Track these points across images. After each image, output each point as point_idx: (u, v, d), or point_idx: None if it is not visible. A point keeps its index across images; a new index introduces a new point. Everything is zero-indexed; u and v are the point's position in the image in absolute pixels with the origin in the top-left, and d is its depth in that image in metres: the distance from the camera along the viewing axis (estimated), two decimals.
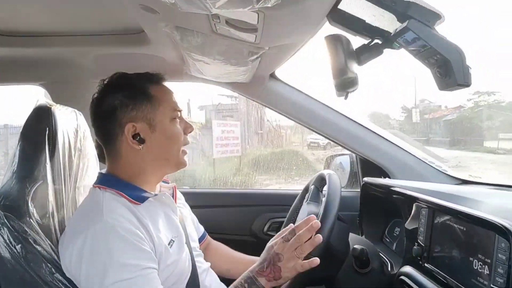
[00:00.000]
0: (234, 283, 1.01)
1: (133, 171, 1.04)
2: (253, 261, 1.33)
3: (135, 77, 1.06)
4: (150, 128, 1.02)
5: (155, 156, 1.04)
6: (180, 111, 1.09)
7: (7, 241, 0.94)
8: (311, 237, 1.02)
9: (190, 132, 1.11)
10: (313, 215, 1.06)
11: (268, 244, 1.08)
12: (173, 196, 1.15)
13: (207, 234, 1.40)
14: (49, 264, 0.95)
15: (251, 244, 1.80)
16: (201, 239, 1.34)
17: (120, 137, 1.02)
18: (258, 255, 1.34)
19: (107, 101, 1.03)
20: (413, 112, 11.70)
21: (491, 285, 0.79)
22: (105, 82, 1.06)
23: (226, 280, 1.29)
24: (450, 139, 10.51)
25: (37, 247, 0.95)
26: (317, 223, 1.03)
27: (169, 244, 1.00)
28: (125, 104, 1.01)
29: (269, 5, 0.69)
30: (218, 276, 1.26)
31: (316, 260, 1.00)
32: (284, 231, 1.08)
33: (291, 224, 1.07)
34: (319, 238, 1.01)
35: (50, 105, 1.07)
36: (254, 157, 8.07)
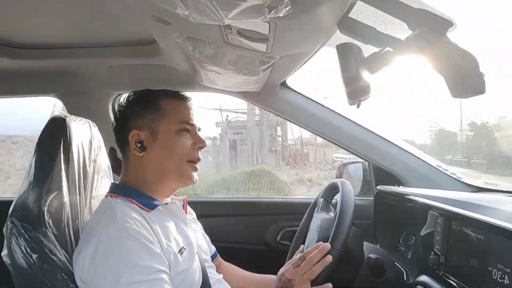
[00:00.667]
0: None
1: (140, 179, 1.06)
2: (265, 279, 1.35)
3: (152, 91, 1.11)
4: (152, 137, 1.05)
5: (155, 164, 1.06)
6: (191, 124, 1.09)
7: (24, 251, 0.96)
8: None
9: (200, 148, 1.10)
10: (321, 242, 1.07)
11: (280, 272, 1.10)
12: (184, 208, 1.15)
13: (218, 254, 1.39)
14: (64, 275, 0.96)
15: (264, 253, 1.79)
16: (212, 258, 1.34)
17: (128, 144, 1.05)
18: (271, 264, 1.35)
19: (124, 111, 1.09)
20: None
21: None
22: (130, 94, 1.11)
23: None
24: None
25: (53, 257, 0.96)
26: (327, 245, 1.05)
27: (179, 251, 1.01)
28: (135, 112, 1.07)
29: (281, 15, 0.69)
30: None
31: (329, 286, 1.03)
32: (294, 258, 1.10)
33: (301, 247, 1.08)
34: (329, 258, 1.03)
35: (64, 116, 1.09)
36: (223, 176, 7.95)
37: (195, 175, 1.09)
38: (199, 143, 1.10)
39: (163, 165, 1.06)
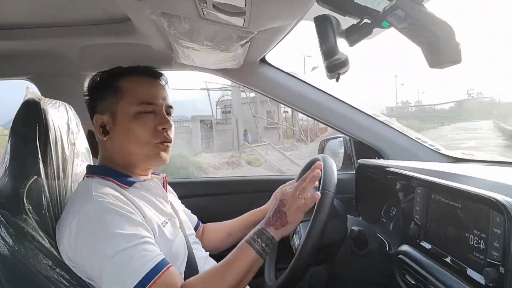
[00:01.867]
0: (246, 238, 1.02)
1: (112, 161, 1.07)
2: (251, 215, 1.39)
3: (115, 69, 1.09)
4: (113, 121, 1.04)
5: (118, 148, 1.05)
6: (153, 104, 1.05)
7: (5, 239, 0.94)
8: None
9: (165, 128, 1.06)
10: (320, 162, 1.12)
11: (274, 194, 1.15)
12: (163, 186, 1.15)
13: (200, 222, 1.41)
14: (49, 259, 0.95)
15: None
16: (196, 228, 1.35)
17: (95, 128, 1.07)
18: None
19: (89, 94, 1.10)
20: None
21: (487, 259, 0.80)
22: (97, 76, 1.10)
23: None
24: None
25: (35, 243, 0.95)
26: (319, 163, 1.11)
27: (162, 224, 1.01)
28: (97, 96, 1.07)
29: None
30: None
31: (318, 195, 1.04)
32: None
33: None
34: (318, 173, 1.07)
35: (39, 99, 1.05)
36: None
37: (164, 155, 1.07)
38: (163, 124, 1.05)
39: (127, 148, 1.05)
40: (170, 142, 1.08)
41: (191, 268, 1.08)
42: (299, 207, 1.02)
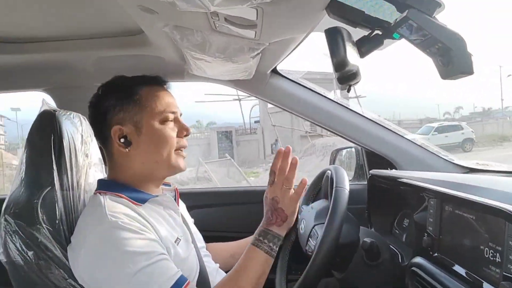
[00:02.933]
0: (251, 242, 1.02)
1: (128, 174, 1.05)
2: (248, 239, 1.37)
3: (128, 79, 1.07)
4: (137, 131, 1.02)
5: (143, 159, 1.04)
6: (173, 113, 1.07)
7: (19, 248, 0.96)
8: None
9: (186, 135, 1.09)
10: (281, 148, 1.11)
11: (264, 198, 1.14)
12: (175, 199, 1.15)
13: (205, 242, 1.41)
14: (61, 270, 0.97)
15: None
16: None
17: (110, 139, 1.03)
18: None
19: (99, 104, 1.05)
20: None
21: (503, 273, 0.78)
22: (102, 85, 1.08)
23: None
24: None
25: (49, 253, 0.96)
26: (288, 147, 1.11)
27: (175, 241, 1.01)
28: (113, 106, 1.03)
29: (268, 0, 0.68)
30: None
31: (305, 179, 1.11)
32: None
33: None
34: (296, 159, 1.08)
35: (54, 110, 1.08)
36: None
37: (183, 162, 1.08)
38: (184, 131, 1.08)
39: (152, 158, 1.04)
40: (185, 148, 1.10)
41: (203, 282, 1.08)
42: (291, 198, 1.06)
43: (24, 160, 1.05)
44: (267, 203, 1.09)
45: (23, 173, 1.04)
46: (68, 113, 1.11)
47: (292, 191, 1.05)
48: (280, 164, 1.08)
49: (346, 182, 1.15)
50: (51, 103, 1.56)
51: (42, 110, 1.09)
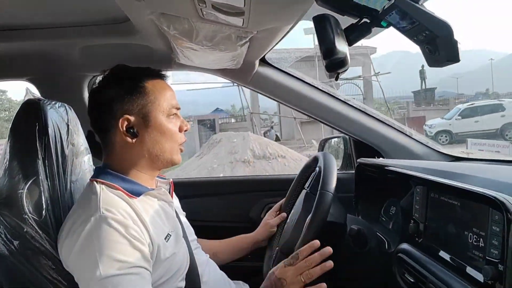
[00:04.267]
0: None
1: (127, 165, 1.04)
2: (239, 241, 1.42)
3: (134, 70, 1.06)
4: (144, 123, 1.02)
5: (147, 151, 1.03)
6: (178, 108, 1.08)
7: (5, 238, 0.95)
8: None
9: (186, 130, 1.10)
10: (317, 241, 1.03)
11: (269, 272, 1.06)
12: (169, 192, 1.15)
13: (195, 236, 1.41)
14: (48, 260, 0.96)
15: (250, 230, 1.81)
16: None
17: (114, 129, 1.01)
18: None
19: (104, 92, 1.03)
20: None
21: (486, 257, 0.80)
22: (105, 74, 1.06)
23: (226, 267, 1.31)
24: None
25: (35, 243, 0.95)
26: (329, 249, 1.01)
27: (165, 238, 1.00)
28: (121, 96, 1.01)
29: None
30: (218, 266, 1.28)
31: (323, 285, 0.98)
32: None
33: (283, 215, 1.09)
34: (330, 264, 0.99)
35: (38, 100, 1.06)
36: None
37: (180, 156, 1.10)
38: (184, 126, 1.10)
39: (155, 151, 1.04)
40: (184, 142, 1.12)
41: (192, 275, 1.09)
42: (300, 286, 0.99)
43: (8, 150, 1.04)
44: (271, 279, 1.02)
45: (7, 162, 1.03)
46: (53, 102, 1.09)
47: (303, 286, 0.98)
48: (312, 257, 1.00)
49: (333, 165, 1.17)
50: (35, 93, 1.53)
51: (26, 99, 1.07)
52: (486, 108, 15.98)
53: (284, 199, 1.52)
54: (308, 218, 1.12)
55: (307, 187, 1.38)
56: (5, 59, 1.52)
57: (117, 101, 1.01)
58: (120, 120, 1.00)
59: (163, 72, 1.10)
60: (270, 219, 1.47)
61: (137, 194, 0.99)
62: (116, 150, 1.04)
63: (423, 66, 24.91)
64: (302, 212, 1.26)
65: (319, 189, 1.11)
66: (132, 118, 1.01)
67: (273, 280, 1.01)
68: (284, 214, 1.45)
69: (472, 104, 17.81)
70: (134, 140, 1.01)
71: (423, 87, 23.89)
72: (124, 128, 1.00)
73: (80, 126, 1.17)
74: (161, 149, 1.04)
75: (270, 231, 1.45)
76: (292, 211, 1.39)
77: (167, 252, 0.99)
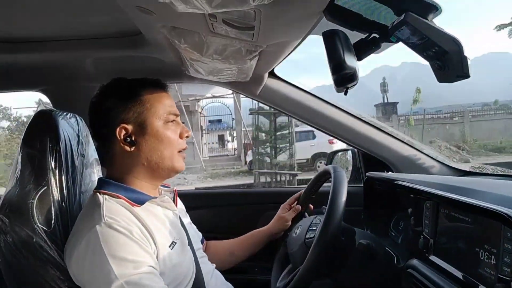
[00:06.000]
0: None
1: (128, 174, 1.05)
2: (253, 236, 1.42)
3: (131, 80, 1.08)
4: (141, 130, 1.03)
5: (146, 159, 1.04)
6: (175, 115, 1.09)
7: (14, 247, 0.95)
8: None
9: (187, 137, 1.11)
10: None
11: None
12: (174, 200, 1.15)
13: (204, 239, 1.41)
14: (57, 270, 0.96)
15: None
16: (201, 242, 1.35)
17: (113, 139, 1.02)
18: (265, 253, 1.41)
19: (102, 103, 1.05)
20: None
21: (498, 275, 0.79)
22: (103, 85, 1.08)
23: (231, 280, 1.30)
24: None
25: (44, 253, 0.96)
26: None
27: (170, 246, 1.00)
28: (117, 106, 1.03)
29: (266, 3, 0.69)
30: (224, 276, 1.27)
31: None
32: None
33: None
34: None
35: (50, 110, 1.08)
36: None
37: (183, 163, 1.10)
38: (185, 133, 1.10)
39: (156, 158, 1.04)
40: (185, 149, 1.12)
41: (198, 284, 1.08)
42: None
43: (19, 160, 1.05)
44: None
45: (19, 172, 1.04)
46: (65, 113, 1.11)
47: None
48: None
49: (343, 175, 1.18)
50: (48, 103, 1.55)
51: (38, 110, 1.09)
52: (302, 135, 13.43)
53: (299, 193, 1.53)
54: (316, 234, 1.12)
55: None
56: (20, 70, 1.55)
57: (114, 111, 1.03)
58: (118, 129, 1.01)
59: (162, 82, 1.11)
60: (284, 213, 1.48)
61: (140, 202, 1.00)
62: (116, 160, 1.05)
63: (384, 78, 24.44)
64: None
65: (328, 204, 1.11)
66: (129, 127, 1.02)
67: None
68: (298, 207, 1.47)
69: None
70: (132, 149, 1.02)
71: (385, 100, 23.38)
72: (122, 137, 1.02)
73: (90, 137, 1.18)
74: (160, 156, 1.04)
75: (285, 224, 1.46)
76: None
77: (172, 260, 0.99)
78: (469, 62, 0.69)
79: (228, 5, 0.70)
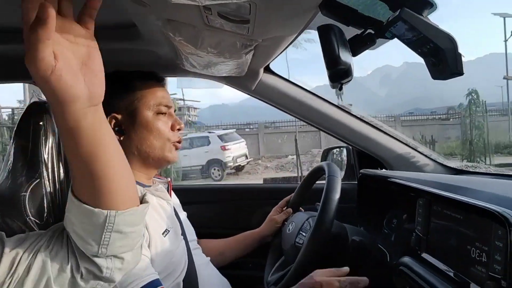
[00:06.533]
0: None
1: None
2: (244, 237, 1.42)
3: (124, 72, 1.10)
4: (131, 120, 1.05)
5: (136, 148, 1.05)
6: (168, 107, 1.10)
7: None
8: None
9: (179, 129, 1.12)
10: (366, 278, 1.06)
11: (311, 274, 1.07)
12: (168, 190, 1.15)
13: (196, 237, 1.41)
14: None
15: None
16: None
17: None
18: (259, 248, 1.43)
19: None
20: None
21: (489, 273, 0.79)
22: None
23: (227, 275, 1.30)
24: None
25: None
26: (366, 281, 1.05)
27: (163, 233, 1.01)
28: (109, 94, 1.02)
29: None
30: (220, 272, 1.28)
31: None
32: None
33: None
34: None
35: (44, 102, 1.07)
36: None
37: (176, 154, 1.11)
38: (177, 125, 1.11)
39: (144, 148, 1.05)
40: (181, 142, 1.13)
41: (190, 276, 1.08)
42: None
43: (12, 152, 1.04)
44: (310, 280, 1.04)
45: (11, 164, 1.03)
46: None
47: None
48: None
49: (338, 172, 1.17)
50: (41, 95, 1.53)
51: (31, 101, 1.08)
52: (198, 141, 14.11)
53: (290, 196, 1.53)
54: (309, 233, 1.13)
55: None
56: (12, 61, 1.53)
57: (105, 100, 1.03)
58: (108, 118, 1.01)
59: (157, 75, 1.13)
60: (275, 215, 1.48)
61: None
62: None
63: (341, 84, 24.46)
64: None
65: (326, 175, 1.12)
66: (119, 116, 1.04)
67: (310, 283, 1.03)
68: (290, 210, 1.47)
69: (186, 135, 14.47)
70: (122, 138, 1.04)
71: (340, 102, 23.48)
72: (112, 126, 1.03)
73: None
74: (150, 146, 1.06)
75: (276, 226, 1.46)
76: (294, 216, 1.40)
77: (164, 247, 0.99)
78: (462, 59, 0.69)
79: None
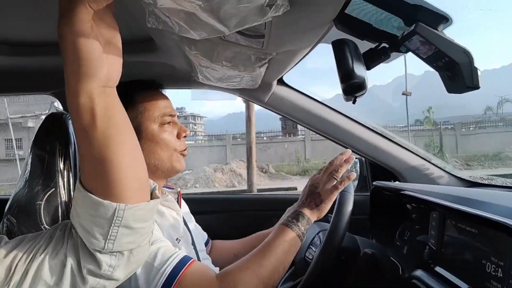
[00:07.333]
0: (282, 222, 1.02)
1: None
2: (258, 237, 1.38)
3: (123, 84, 1.08)
4: (137, 135, 1.03)
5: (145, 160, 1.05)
6: (172, 116, 1.09)
7: None
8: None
9: (185, 136, 1.12)
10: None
11: (304, 188, 1.12)
12: (178, 201, 1.16)
13: (210, 239, 1.42)
14: None
15: None
16: (205, 244, 1.36)
17: None
18: None
19: None
20: None
21: None
22: None
23: None
24: None
25: None
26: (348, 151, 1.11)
27: (176, 241, 1.01)
28: None
29: (280, 13, 0.69)
30: None
31: (353, 174, 1.06)
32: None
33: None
34: (353, 158, 1.09)
35: (62, 114, 1.09)
36: None
37: (183, 162, 1.11)
38: (183, 133, 1.11)
39: (153, 161, 1.06)
40: (186, 149, 1.12)
41: None
42: (332, 187, 1.04)
43: (29, 162, 1.06)
44: (305, 190, 1.09)
45: (28, 174, 1.05)
46: None
47: (335, 181, 1.04)
48: (338, 158, 1.08)
49: (351, 187, 1.17)
50: (59, 107, 1.56)
51: (49, 112, 1.11)
52: None
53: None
54: (318, 249, 1.12)
55: None
56: (31, 74, 1.56)
57: None
58: None
59: (156, 83, 1.12)
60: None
61: None
62: None
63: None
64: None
65: (333, 217, 1.11)
66: None
67: (308, 188, 1.08)
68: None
69: None
70: None
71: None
72: None
73: None
74: (159, 159, 1.06)
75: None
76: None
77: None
78: (478, 72, 0.70)
79: (245, 23, 0.70)
